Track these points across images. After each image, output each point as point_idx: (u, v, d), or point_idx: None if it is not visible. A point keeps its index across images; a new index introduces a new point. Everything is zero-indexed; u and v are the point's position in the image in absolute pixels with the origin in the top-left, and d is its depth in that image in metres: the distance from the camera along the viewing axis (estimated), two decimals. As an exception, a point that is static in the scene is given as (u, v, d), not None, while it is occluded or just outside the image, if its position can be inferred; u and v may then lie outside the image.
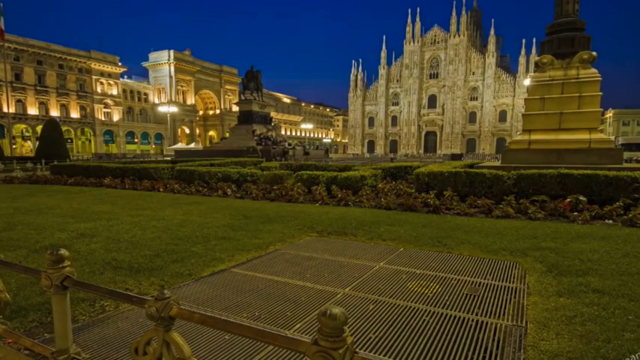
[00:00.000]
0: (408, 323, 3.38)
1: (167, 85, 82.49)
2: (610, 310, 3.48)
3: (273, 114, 62.76)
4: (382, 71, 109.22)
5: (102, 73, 73.03)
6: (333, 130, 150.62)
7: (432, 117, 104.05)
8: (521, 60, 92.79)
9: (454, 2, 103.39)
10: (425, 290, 4.17)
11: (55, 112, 64.96)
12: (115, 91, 75.37)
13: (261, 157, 31.87)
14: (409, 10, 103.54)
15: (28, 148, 63.06)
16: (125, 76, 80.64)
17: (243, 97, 49.74)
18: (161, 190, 13.81)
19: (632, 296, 3.78)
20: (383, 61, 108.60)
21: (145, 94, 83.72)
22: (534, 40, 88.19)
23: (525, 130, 13.61)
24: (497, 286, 4.28)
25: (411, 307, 3.74)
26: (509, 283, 4.36)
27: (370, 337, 3.14)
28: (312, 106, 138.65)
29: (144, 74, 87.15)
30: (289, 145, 46.99)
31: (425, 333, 3.21)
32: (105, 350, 2.97)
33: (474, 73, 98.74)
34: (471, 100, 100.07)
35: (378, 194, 11.07)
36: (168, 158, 36.49)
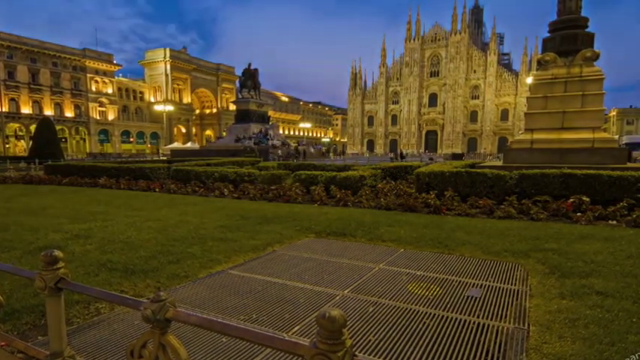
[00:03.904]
0: (408, 326, 3.34)
1: (163, 83, 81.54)
2: (614, 312, 3.44)
3: (271, 113, 62.52)
4: (382, 69, 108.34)
5: (97, 71, 71.87)
6: (332, 129, 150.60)
7: (432, 116, 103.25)
8: (524, 58, 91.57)
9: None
10: (425, 292, 4.12)
11: (49, 111, 63.79)
12: (110, 90, 74.20)
13: (259, 156, 31.75)
14: (409, 8, 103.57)
15: (21, 147, 62.22)
16: (120, 74, 79.98)
17: (240, 96, 49.41)
18: (157, 190, 13.74)
19: (636, 298, 3.74)
20: (382, 59, 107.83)
21: (141, 92, 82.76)
22: (537, 38, 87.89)
23: (527, 129, 13.41)
24: (499, 288, 4.23)
25: (411, 309, 3.69)
26: (511, 285, 4.31)
27: (370, 340, 3.10)
28: (310, 105, 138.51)
29: (140, 73, 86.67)
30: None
31: (425, 336, 3.16)
32: (100, 353, 2.92)
33: (475, 71, 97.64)
34: (472, 98, 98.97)
35: (377, 194, 10.98)
36: (165, 158, 36.23)
